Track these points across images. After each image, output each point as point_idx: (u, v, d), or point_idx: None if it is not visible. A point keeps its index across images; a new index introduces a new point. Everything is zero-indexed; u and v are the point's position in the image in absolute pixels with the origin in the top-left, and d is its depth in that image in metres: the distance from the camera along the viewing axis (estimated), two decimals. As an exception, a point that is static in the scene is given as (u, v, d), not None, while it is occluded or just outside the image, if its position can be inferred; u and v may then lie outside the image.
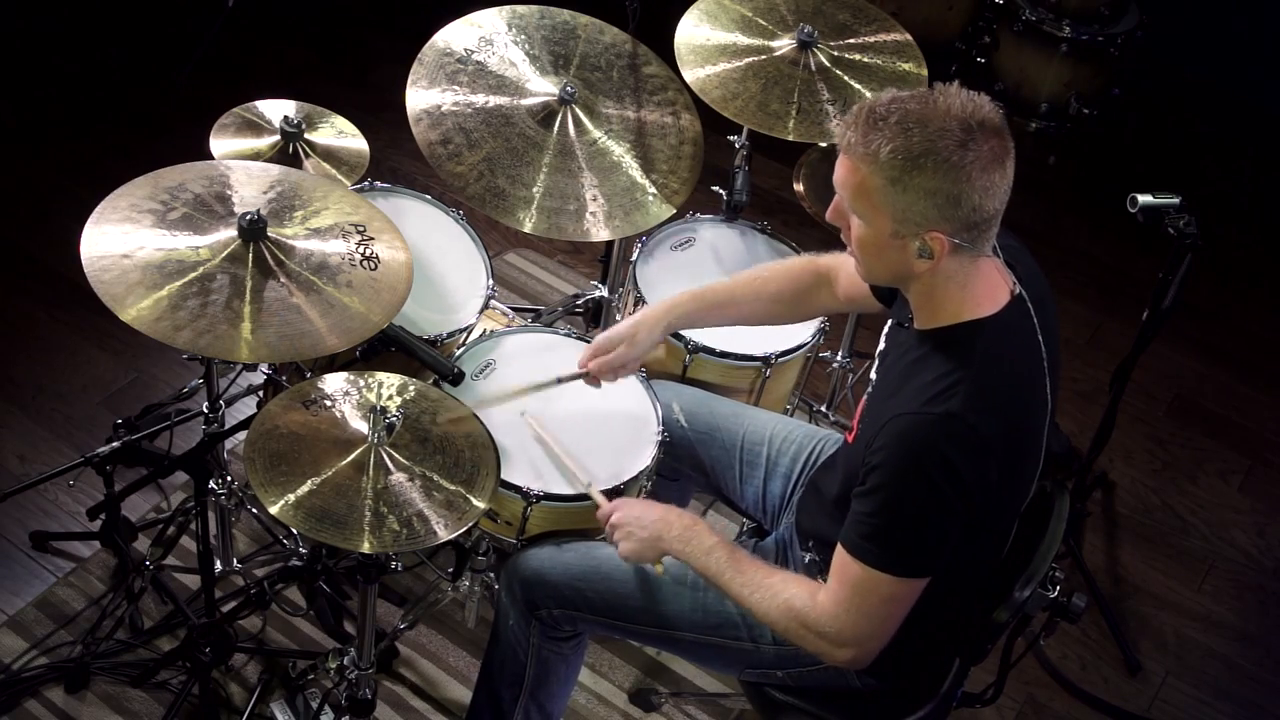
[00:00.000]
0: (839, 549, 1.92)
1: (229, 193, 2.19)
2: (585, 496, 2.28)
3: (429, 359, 2.31)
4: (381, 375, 2.19)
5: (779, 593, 1.99)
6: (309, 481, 2.00)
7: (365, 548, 1.96)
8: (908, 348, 1.95)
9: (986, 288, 1.89)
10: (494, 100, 2.60)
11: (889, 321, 2.09)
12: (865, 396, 2.09)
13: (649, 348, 2.37)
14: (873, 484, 1.86)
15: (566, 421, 2.38)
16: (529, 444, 2.34)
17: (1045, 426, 1.97)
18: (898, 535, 1.87)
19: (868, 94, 2.71)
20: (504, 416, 2.35)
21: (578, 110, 2.63)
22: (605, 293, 3.02)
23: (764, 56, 2.74)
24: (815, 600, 1.95)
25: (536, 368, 2.44)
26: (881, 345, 2.10)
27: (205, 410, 2.49)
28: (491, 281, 2.61)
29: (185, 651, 2.56)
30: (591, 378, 2.38)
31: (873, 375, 2.09)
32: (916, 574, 1.89)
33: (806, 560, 2.16)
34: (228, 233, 2.11)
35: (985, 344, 1.87)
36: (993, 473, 1.84)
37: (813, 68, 2.73)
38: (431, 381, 2.30)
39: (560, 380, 2.39)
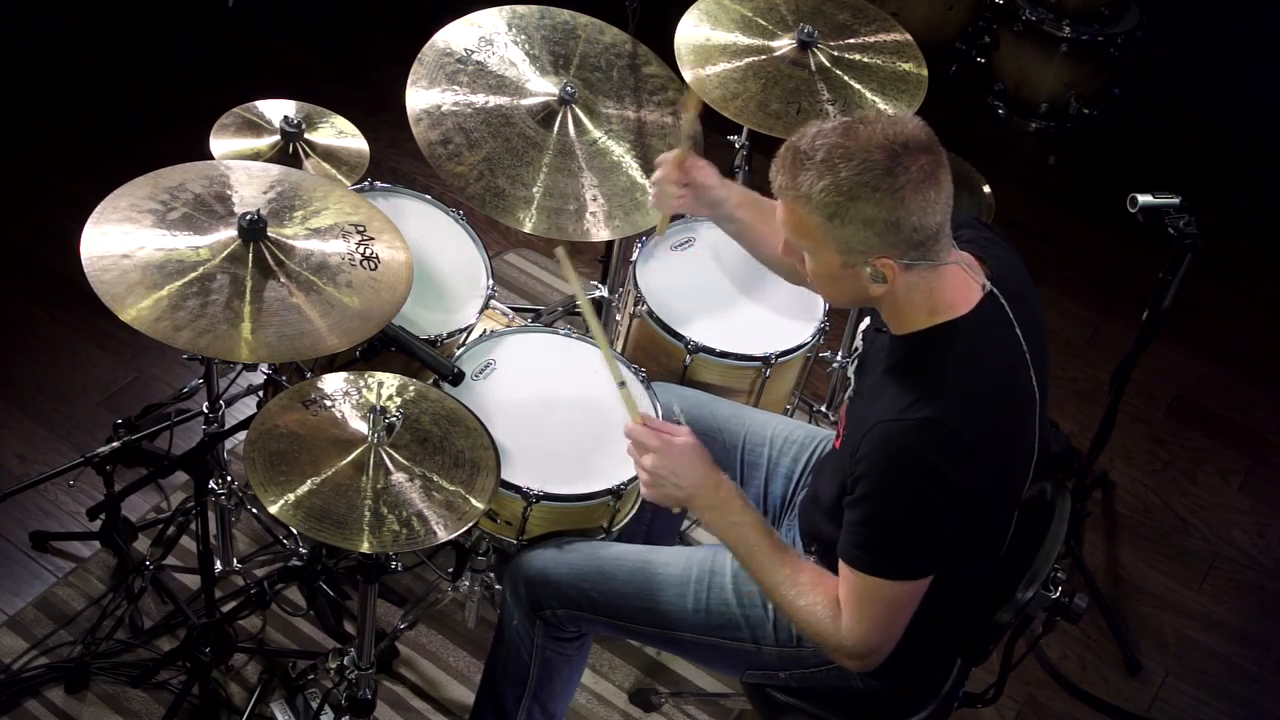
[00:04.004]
0: (840, 560, 1.92)
1: (229, 193, 2.19)
2: (585, 497, 2.28)
3: (429, 359, 2.31)
4: (381, 375, 2.19)
5: (803, 592, 1.98)
6: (309, 481, 2.00)
7: (365, 548, 1.96)
8: (885, 353, 1.96)
9: (954, 290, 1.88)
10: (494, 100, 2.60)
11: (867, 324, 2.09)
12: (846, 401, 2.09)
13: (704, 204, 2.33)
14: (860, 493, 1.87)
15: (568, 421, 2.38)
16: (529, 444, 2.34)
17: (1035, 420, 1.97)
18: (889, 542, 1.87)
19: (868, 94, 2.71)
20: (507, 414, 2.35)
21: (578, 110, 2.63)
22: (605, 293, 3.02)
23: (764, 56, 2.74)
24: (833, 610, 1.95)
25: (545, 368, 2.45)
26: (859, 348, 2.10)
27: (205, 410, 2.49)
28: (491, 281, 2.61)
29: (185, 651, 2.56)
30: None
31: (851, 378, 2.09)
32: (914, 576, 1.89)
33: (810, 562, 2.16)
34: (228, 233, 2.11)
35: (960, 345, 1.87)
36: (979, 473, 1.84)
37: (813, 68, 2.73)
38: (431, 382, 2.30)
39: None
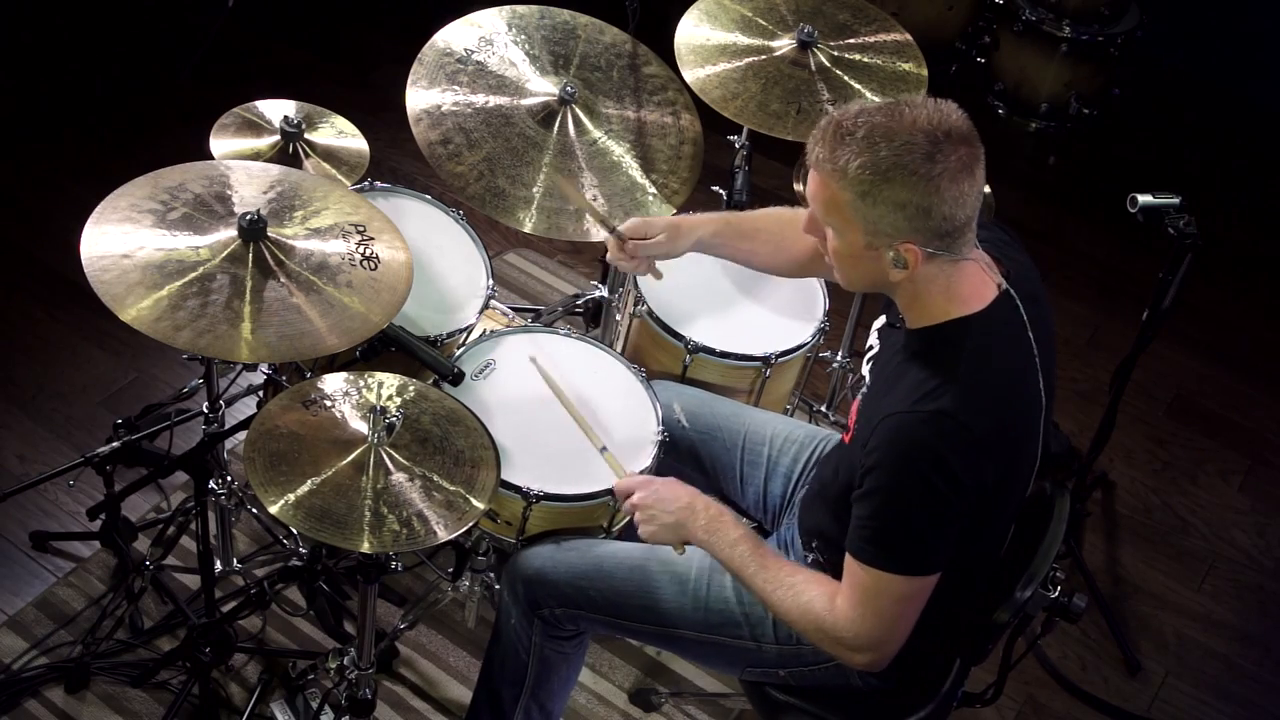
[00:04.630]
0: (846, 554, 1.92)
1: (229, 193, 2.19)
2: (585, 497, 2.28)
3: (429, 359, 2.31)
4: (381, 375, 2.19)
5: (800, 594, 1.99)
6: (309, 481, 2.00)
7: (365, 548, 1.96)
8: (899, 347, 1.96)
9: (971, 286, 1.89)
10: (494, 100, 2.60)
11: (881, 320, 2.09)
12: (860, 396, 2.09)
13: (682, 250, 2.36)
14: (869, 486, 1.87)
15: (567, 422, 2.38)
16: (529, 444, 2.34)
17: (1041, 422, 1.97)
18: (898, 536, 1.87)
19: (868, 94, 2.72)
20: (507, 414, 2.35)
21: (578, 110, 2.63)
22: (605, 293, 3.02)
23: (764, 56, 2.74)
24: (833, 605, 1.95)
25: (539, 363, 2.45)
26: (874, 344, 2.10)
27: (205, 410, 2.49)
28: (491, 281, 2.61)
29: (185, 651, 2.56)
30: (622, 245, 2.36)
31: (865, 374, 2.09)
32: (922, 572, 1.89)
33: (809, 560, 2.16)
34: (228, 233, 2.11)
35: (973, 341, 1.87)
36: (987, 469, 1.84)
37: (813, 68, 2.73)
38: (431, 381, 2.30)
39: (613, 229, 2.36)
